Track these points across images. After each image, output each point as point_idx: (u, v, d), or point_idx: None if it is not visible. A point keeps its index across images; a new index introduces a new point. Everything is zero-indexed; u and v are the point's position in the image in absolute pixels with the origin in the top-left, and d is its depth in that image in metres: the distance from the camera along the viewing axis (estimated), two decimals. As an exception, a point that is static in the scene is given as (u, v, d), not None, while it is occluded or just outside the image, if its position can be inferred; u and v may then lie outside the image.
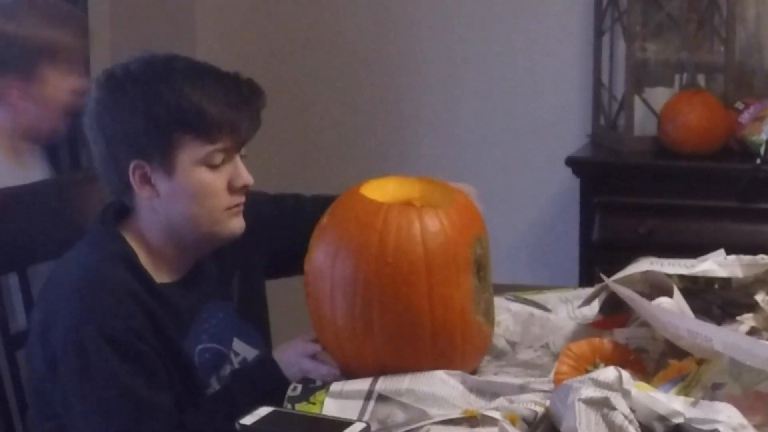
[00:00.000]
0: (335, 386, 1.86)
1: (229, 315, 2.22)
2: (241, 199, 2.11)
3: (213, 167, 2.05)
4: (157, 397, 2.01)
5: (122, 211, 2.13)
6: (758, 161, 3.14)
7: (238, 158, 2.09)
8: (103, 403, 1.99)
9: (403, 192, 2.04)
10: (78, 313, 1.99)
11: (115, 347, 1.98)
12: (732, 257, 2.03)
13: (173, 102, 2.01)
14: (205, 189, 2.05)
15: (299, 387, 1.83)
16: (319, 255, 1.94)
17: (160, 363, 2.03)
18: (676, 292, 1.91)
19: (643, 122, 3.34)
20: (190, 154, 2.03)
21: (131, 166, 2.04)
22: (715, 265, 2.01)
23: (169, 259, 2.12)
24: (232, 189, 2.08)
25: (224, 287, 2.23)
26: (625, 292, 1.92)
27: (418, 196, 2.04)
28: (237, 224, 2.12)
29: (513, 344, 2.11)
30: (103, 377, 1.98)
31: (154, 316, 2.04)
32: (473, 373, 1.94)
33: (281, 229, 2.33)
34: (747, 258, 2.03)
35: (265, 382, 2.05)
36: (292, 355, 2.05)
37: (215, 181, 2.06)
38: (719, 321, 1.98)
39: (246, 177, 2.10)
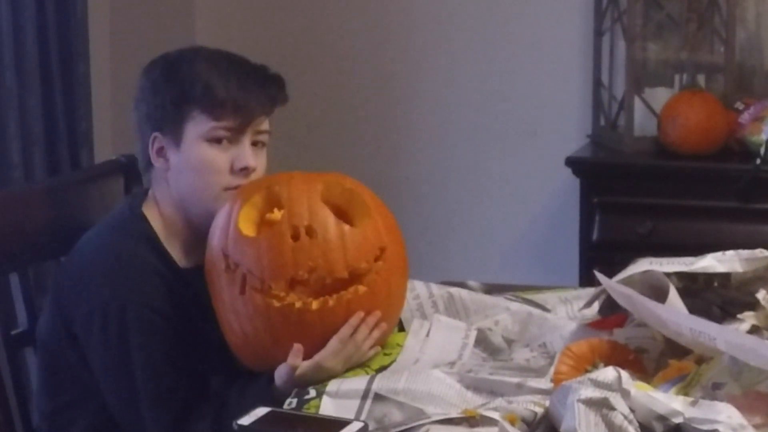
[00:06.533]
0: (332, 386, 1.86)
1: None
2: (243, 181, 2.15)
3: (217, 144, 2.14)
4: (178, 374, 2.09)
5: (146, 195, 2.22)
6: (758, 161, 3.14)
7: (246, 141, 2.15)
8: (127, 379, 2.07)
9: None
10: (104, 291, 2.08)
11: (139, 325, 2.06)
12: (730, 252, 2.02)
13: (188, 79, 2.14)
14: (207, 164, 2.13)
15: (294, 401, 1.84)
16: None
17: (183, 343, 2.10)
18: (673, 292, 1.91)
19: (643, 122, 3.34)
20: (196, 128, 2.13)
21: (151, 138, 2.17)
22: (714, 260, 2.01)
23: (182, 237, 2.18)
24: (233, 170, 2.14)
25: None
26: (623, 291, 1.91)
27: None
28: None
29: (510, 342, 2.12)
30: (126, 353, 2.06)
31: (177, 296, 2.11)
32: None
33: None
34: (745, 252, 2.01)
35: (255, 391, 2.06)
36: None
37: (217, 158, 2.14)
38: (720, 321, 1.97)
39: (247, 158, 2.15)
